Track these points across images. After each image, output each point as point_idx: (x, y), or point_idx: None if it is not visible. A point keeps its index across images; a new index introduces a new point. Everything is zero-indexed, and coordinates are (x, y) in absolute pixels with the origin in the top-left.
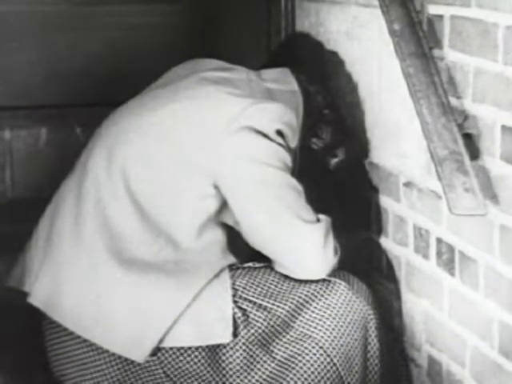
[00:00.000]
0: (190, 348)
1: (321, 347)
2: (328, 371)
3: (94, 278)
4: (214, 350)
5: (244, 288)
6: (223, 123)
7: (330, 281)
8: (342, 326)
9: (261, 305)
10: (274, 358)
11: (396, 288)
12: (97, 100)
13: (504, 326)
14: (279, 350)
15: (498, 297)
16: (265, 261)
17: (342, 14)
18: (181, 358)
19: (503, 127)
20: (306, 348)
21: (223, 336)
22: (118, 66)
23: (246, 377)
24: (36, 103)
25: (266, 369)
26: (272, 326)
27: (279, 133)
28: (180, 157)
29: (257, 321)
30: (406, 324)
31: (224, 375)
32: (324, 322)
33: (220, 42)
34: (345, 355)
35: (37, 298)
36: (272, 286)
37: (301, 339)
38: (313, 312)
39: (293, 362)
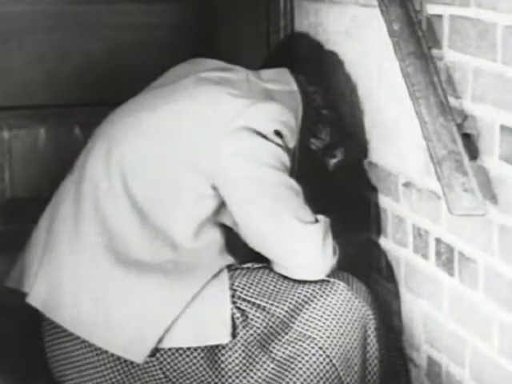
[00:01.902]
0: (188, 349)
1: (320, 347)
2: (327, 371)
3: (93, 279)
4: (212, 351)
5: (243, 288)
6: (222, 123)
7: (329, 281)
8: (341, 327)
9: (259, 305)
10: (273, 358)
11: (395, 288)
12: (96, 100)
13: (504, 326)
14: (278, 350)
15: (497, 297)
16: (263, 261)
17: (341, 14)
18: (179, 358)
19: (502, 127)
20: (305, 348)
21: (222, 336)
22: (118, 66)
23: (244, 377)
24: (35, 103)
25: (265, 369)
26: (271, 327)
27: (277, 133)
28: (178, 157)
29: (256, 321)
30: (405, 324)
31: (223, 376)
32: (323, 323)
33: (219, 41)
34: (344, 355)
35: (35, 299)
36: (271, 287)
37: (300, 339)
38: (312, 312)
39: (292, 363)
